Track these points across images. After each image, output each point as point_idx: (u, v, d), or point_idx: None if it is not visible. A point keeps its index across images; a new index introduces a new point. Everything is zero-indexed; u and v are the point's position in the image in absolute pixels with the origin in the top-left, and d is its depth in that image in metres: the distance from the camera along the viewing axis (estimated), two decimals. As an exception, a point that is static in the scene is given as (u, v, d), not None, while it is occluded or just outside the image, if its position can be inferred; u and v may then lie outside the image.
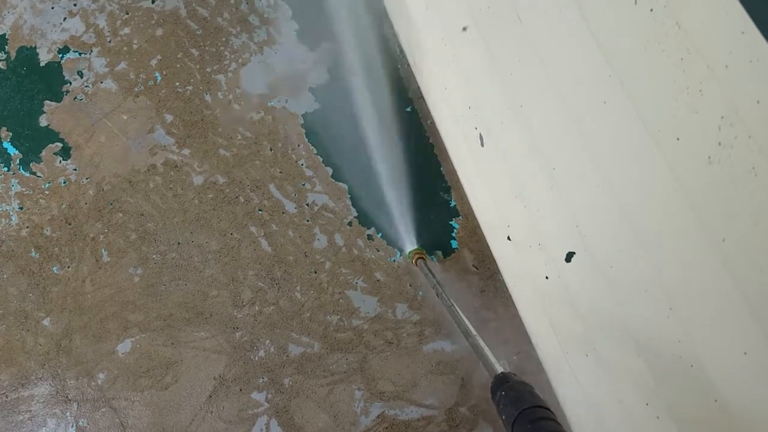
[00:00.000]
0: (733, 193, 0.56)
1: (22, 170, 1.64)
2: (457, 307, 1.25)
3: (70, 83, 1.69)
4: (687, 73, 0.57)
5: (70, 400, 1.52)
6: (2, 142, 1.66)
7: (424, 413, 1.48)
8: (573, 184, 0.92)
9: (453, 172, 1.62)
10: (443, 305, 1.34)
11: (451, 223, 1.60)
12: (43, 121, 1.67)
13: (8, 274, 1.59)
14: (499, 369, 0.98)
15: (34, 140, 1.66)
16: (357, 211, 1.60)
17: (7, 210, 1.62)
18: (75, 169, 1.63)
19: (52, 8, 1.74)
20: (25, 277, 1.58)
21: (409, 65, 1.69)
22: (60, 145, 1.65)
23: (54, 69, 1.70)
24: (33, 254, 1.59)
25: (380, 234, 1.59)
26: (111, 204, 1.61)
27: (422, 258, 1.51)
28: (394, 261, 1.57)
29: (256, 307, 1.55)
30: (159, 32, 1.72)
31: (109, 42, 1.71)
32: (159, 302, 1.55)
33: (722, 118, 0.54)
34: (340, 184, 1.62)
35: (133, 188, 1.62)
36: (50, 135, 1.66)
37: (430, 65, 1.50)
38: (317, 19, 1.72)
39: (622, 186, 0.78)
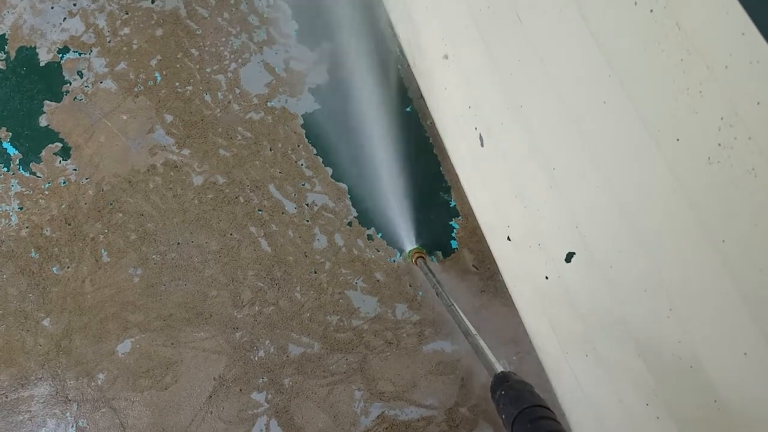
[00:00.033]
0: (732, 194, 0.56)
1: (21, 170, 1.64)
2: (456, 307, 1.26)
3: (70, 83, 1.68)
4: (687, 74, 0.57)
5: (69, 400, 1.52)
6: (2, 143, 1.66)
7: (424, 413, 1.48)
8: (573, 184, 0.92)
9: (453, 172, 1.62)
10: (443, 305, 1.34)
11: (450, 223, 1.60)
12: (42, 121, 1.66)
13: (8, 274, 1.59)
14: (499, 368, 0.97)
15: (33, 140, 1.66)
16: (357, 211, 1.60)
17: (6, 210, 1.62)
18: (75, 170, 1.63)
19: (52, 8, 1.74)
20: (24, 277, 1.58)
21: (409, 65, 1.69)
22: (60, 145, 1.65)
23: (54, 69, 1.70)
24: (33, 254, 1.59)
25: (380, 234, 1.59)
26: (111, 204, 1.61)
27: (422, 257, 1.51)
28: (394, 261, 1.57)
29: (256, 308, 1.55)
30: (159, 32, 1.72)
31: (109, 42, 1.71)
32: (159, 302, 1.55)
33: (722, 118, 0.54)
34: (340, 184, 1.62)
35: (133, 188, 1.62)
36: (50, 135, 1.66)
37: (430, 65, 1.50)
38: (317, 19, 1.72)
39: (622, 186, 0.78)
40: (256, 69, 1.69)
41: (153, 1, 1.74)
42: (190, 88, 1.68)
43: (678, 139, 0.62)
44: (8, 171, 1.64)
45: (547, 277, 1.16)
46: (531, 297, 1.36)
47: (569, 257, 1.02)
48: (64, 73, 1.69)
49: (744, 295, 0.60)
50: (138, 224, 1.60)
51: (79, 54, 1.70)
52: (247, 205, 1.60)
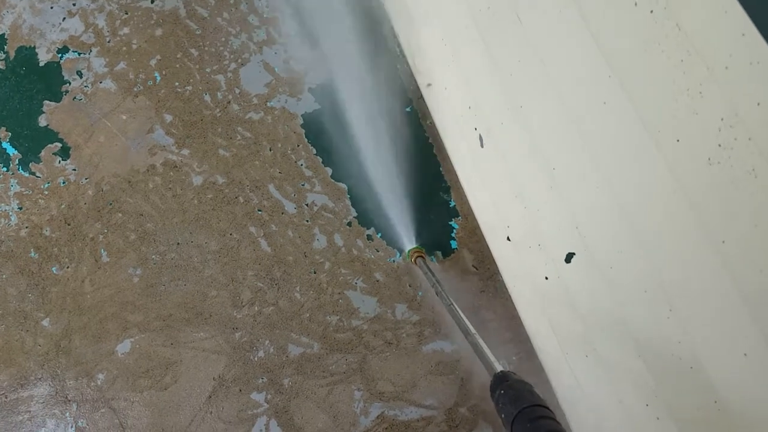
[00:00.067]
0: (733, 195, 0.56)
1: (21, 170, 1.64)
2: (456, 306, 1.25)
3: (70, 83, 1.68)
4: (687, 75, 0.57)
5: (69, 400, 1.51)
6: (1, 143, 1.65)
7: (423, 413, 1.48)
8: (573, 184, 0.92)
9: (453, 172, 1.62)
10: (442, 304, 1.34)
11: (450, 223, 1.60)
12: (42, 121, 1.66)
13: (7, 274, 1.58)
14: (498, 367, 0.97)
15: (33, 140, 1.65)
16: (356, 212, 1.60)
17: (6, 210, 1.62)
18: (74, 170, 1.63)
19: (51, 8, 1.73)
20: (24, 277, 1.58)
21: (408, 65, 1.69)
22: (59, 145, 1.65)
23: (53, 69, 1.70)
24: (32, 254, 1.59)
25: (380, 234, 1.59)
26: (110, 204, 1.61)
27: (421, 257, 1.51)
28: (394, 261, 1.57)
29: (256, 308, 1.55)
30: (158, 32, 1.72)
31: (109, 42, 1.71)
32: (158, 302, 1.55)
33: (722, 119, 0.54)
34: (340, 184, 1.62)
35: (133, 188, 1.62)
36: (49, 135, 1.66)
37: (430, 65, 1.50)
38: (317, 19, 1.71)
39: (622, 186, 0.78)
40: (256, 69, 1.69)
41: (152, 1, 1.74)
42: (189, 88, 1.68)
43: (678, 140, 0.61)
44: (8, 171, 1.64)
45: (546, 278, 1.16)
46: (531, 297, 1.36)
47: (569, 258, 1.02)
48: (63, 73, 1.69)
49: (744, 296, 0.60)
50: (137, 224, 1.60)
51: (79, 54, 1.70)
52: (246, 205, 1.60)
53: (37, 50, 1.71)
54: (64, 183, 1.63)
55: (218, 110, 1.66)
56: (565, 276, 1.07)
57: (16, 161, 1.64)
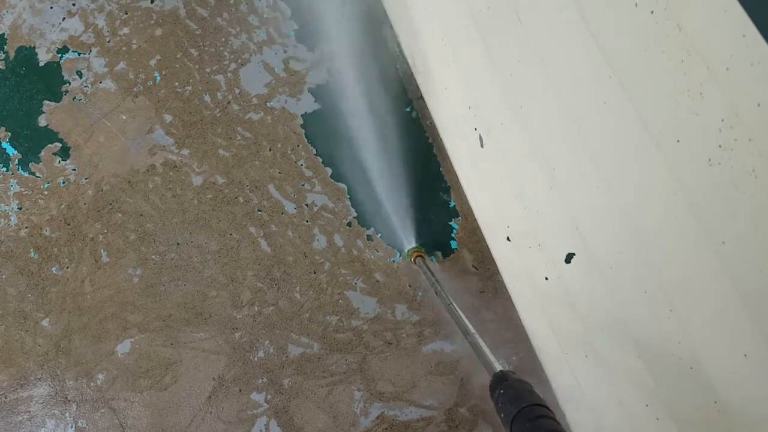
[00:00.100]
0: (733, 195, 0.56)
1: (21, 170, 1.64)
2: (455, 306, 1.25)
3: (69, 83, 1.68)
4: (687, 75, 0.57)
5: (69, 400, 1.51)
6: (1, 143, 1.65)
7: (423, 414, 1.48)
8: (573, 184, 0.92)
9: (452, 172, 1.62)
10: (442, 304, 1.34)
11: (450, 223, 1.60)
12: (42, 121, 1.66)
13: (7, 274, 1.58)
14: (498, 367, 0.97)
15: (33, 140, 1.65)
16: (356, 212, 1.60)
17: (6, 210, 1.62)
18: (74, 170, 1.63)
19: (51, 8, 1.73)
20: (24, 277, 1.58)
21: (408, 65, 1.69)
22: (59, 145, 1.65)
23: (53, 69, 1.70)
24: (32, 255, 1.59)
25: (379, 234, 1.59)
26: (110, 204, 1.61)
27: (421, 256, 1.51)
28: (394, 261, 1.57)
29: (256, 308, 1.55)
30: (158, 32, 1.71)
31: (108, 42, 1.71)
32: (158, 303, 1.55)
33: (722, 120, 0.54)
34: (340, 184, 1.62)
35: (133, 188, 1.62)
36: (49, 135, 1.65)
37: (429, 65, 1.50)
38: (316, 19, 1.71)
39: (622, 187, 0.78)
40: (256, 69, 1.69)
41: (152, 1, 1.73)
42: (189, 88, 1.68)
43: (678, 141, 0.61)
44: (7, 171, 1.64)
45: (546, 278, 1.16)
46: (531, 297, 1.36)
47: (569, 258, 1.02)
48: (63, 73, 1.69)
49: (744, 297, 0.60)
50: (137, 224, 1.60)
51: (79, 54, 1.70)
52: (246, 206, 1.60)
53: (36, 50, 1.71)
54: (63, 183, 1.62)
55: (218, 110, 1.66)
56: (565, 276, 1.07)
57: (16, 161, 1.64)
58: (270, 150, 1.64)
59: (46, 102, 1.67)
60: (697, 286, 0.68)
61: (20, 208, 1.62)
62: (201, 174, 1.62)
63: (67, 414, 1.51)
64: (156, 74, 1.69)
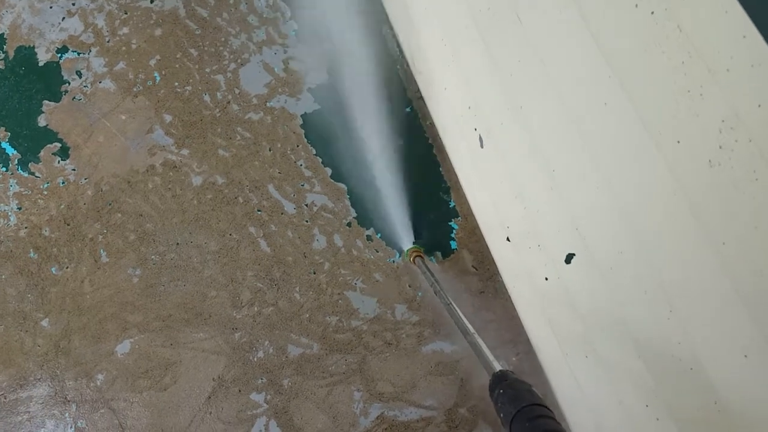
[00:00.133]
0: (733, 196, 0.56)
1: (20, 170, 1.63)
2: (455, 305, 1.25)
3: (69, 83, 1.68)
4: (688, 76, 0.57)
5: (68, 401, 1.51)
6: (1, 143, 1.65)
7: (423, 414, 1.48)
8: (573, 185, 0.92)
9: (452, 172, 1.62)
10: (441, 303, 1.34)
11: (450, 223, 1.60)
12: (41, 121, 1.66)
13: (7, 274, 1.58)
14: (497, 367, 0.97)
15: (32, 140, 1.65)
16: (356, 212, 1.60)
17: (5, 210, 1.62)
18: (73, 170, 1.63)
19: (51, 8, 1.73)
20: (23, 277, 1.58)
21: (408, 65, 1.69)
22: (58, 145, 1.65)
23: (52, 69, 1.69)
24: (31, 255, 1.59)
25: (379, 235, 1.59)
26: (110, 204, 1.61)
27: (420, 256, 1.51)
28: (394, 262, 1.57)
29: (255, 308, 1.55)
30: (158, 32, 1.71)
31: (108, 42, 1.71)
32: (158, 303, 1.55)
33: (723, 121, 0.53)
34: (339, 184, 1.62)
35: (132, 188, 1.62)
36: (49, 135, 1.65)
37: (429, 66, 1.50)
38: (316, 19, 1.71)
39: (623, 187, 0.78)
40: (256, 69, 1.69)
41: (152, 1, 1.73)
42: (189, 88, 1.68)
43: (679, 141, 0.61)
44: (7, 171, 1.64)
45: (546, 278, 1.16)
46: (530, 298, 1.36)
47: (569, 258, 1.02)
48: (62, 73, 1.69)
49: (744, 297, 0.60)
50: (137, 224, 1.59)
51: (78, 54, 1.70)
52: (246, 206, 1.60)
53: (36, 50, 1.70)
54: (63, 183, 1.62)
55: (218, 110, 1.66)
56: (565, 276, 1.07)
57: (16, 161, 1.64)
58: (270, 150, 1.64)
59: (46, 102, 1.67)
60: (697, 286, 0.68)
61: (20, 208, 1.62)
62: (201, 174, 1.62)
63: (66, 414, 1.51)
64: (156, 74, 1.69)
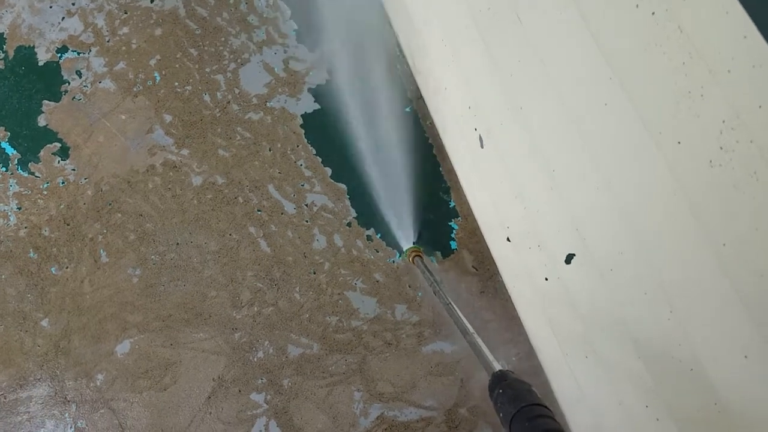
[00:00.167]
0: (734, 197, 0.56)
1: (20, 170, 1.63)
2: (454, 305, 1.25)
3: (69, 83, 1.68)
4: (689, 77, 0.56)
5: (68, 401, 1.51)
6: (0, 142, 1.65)
7: (423, 414, 1.48)
8: (573, 185, 0.92)
9: (452, 172, 1.62)
10: (440, 303, 1.34)
11: (450, 223, 1.60)
12: (41, 121, 1.66)
13: (6, 274, 1.58)
14: (497, 367, 0.97)
15: (32, 140, 1.65)
16: (356, 212, 1.60)
17: (5, 210, 1.62)
18: (73, 170, 1.63)
19: (51, 7, 1.73)
20: (23, 277, 1.58)
21: (408, 65, 1.69)
22: (58, 145, 1.65)
23: (52, 68, 1.69)
24: (31, 255, 1.59)
25: (379, 235, 1.59)
26: (110, 204, 1.61)
27: (419, 256, 1.51)
28: (394, 262, 1.57)
29: (255, 308, 1.54)
30: (158, 32, 1.71)
31: (108, 42, 1.71)
32: (158, 303, 1.55)
33: (724, 122, 0.53)
34: (339, 184, 1.62)
35: (132, 188, 1.62)
36: (48, 135, 1.65)
37: (429, 66, 1.50)
38: (316, 19, 1.71)
39: (623, 187, 0.78)
40: (256, 69, 1.69)
41: (152, 1, 1.73)
42: (189, 88, 1.67)
43: (679, 142, 0.61)
44: (7, 171, 1.64)
45: (546, 279, 1.16)
46: (531, 298, 1.36)
47: (569, 258, 1.02)
48: (62, 73, 1.69)
49: (744, 298, 0.60)
50: (137, 224, 1.59)
51: (78, 53, 1.70)
52: (246, 206, 1.60)
53: (36, 50, 1.70)
54: (63, 183, 1.62)
55: (218, 110, 1.66)
56: (565, 277, 1.07)
57: (15, 161, 1.64)
58: (270, 150, 1.64)
59: (46, 102, 1.67)
60: (697, 286, 0.68)
61: (19, 208, 1.61)
62: (201, 174, 1.62)
63: (66, 414, 1.51)
64: (156, 74, 1.68)
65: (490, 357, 1.01)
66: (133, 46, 1.70)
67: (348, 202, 1.60)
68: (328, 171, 1.62)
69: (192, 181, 1.62)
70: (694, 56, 0.55)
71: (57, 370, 1.53)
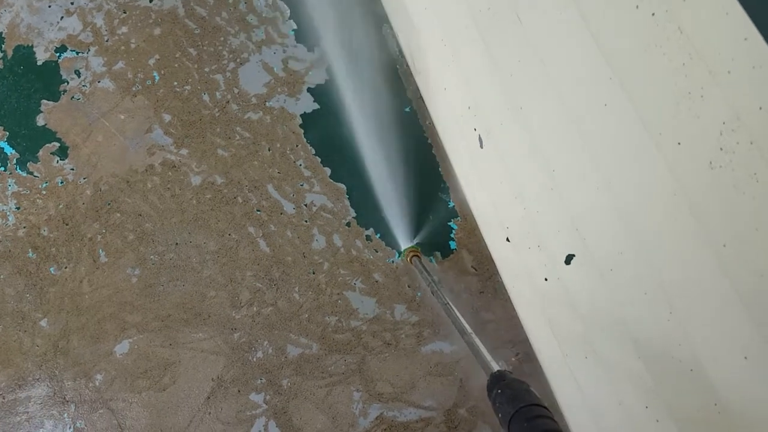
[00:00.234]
0: (734, 198, 0.56)
1: (19, 170, 1.63)
2: (452, 305, 1.25)
3: (68, 82, 1.68)
4: (689, 78, 0.56)
5: (67, 401, 1.51)
6: (-1, 142, 1.65)
7: (422, 415, 1.48)
8: (573, 185, 0.92)
9: (452, 172, 1.62)
10: (438, 303, 1.34)
11: (449, 224, 1.60)
12: (40, 121, 1.66)
13: (5, 274, 1.58)
14: (495, 367, 0.97)
15: (31, 140, 1.65)
16: (355, 212, 1.60)
17: (4, 210, 1.61)
18: (72, 169, 1.63)
19: (49, 7, 1.73)
20: (22, 277, 1.57)
21: (408, 65, 1.69)
22: (57, 144, 1.64)
23: (51, 68, 1.69)
24: (30, 255, 1.59)
25: (379, 235, 1.59)
26: (108, 204, 1.61)
27: (417, 256, 1.51)
28: (393, 262, 1.57)
29: (255, 308, 1.54)
30: (157, 31, 1.71)
31: (107, 41, 1.70)
32: (157, 303, 1.55)
33: (724, 123, 0.53)
34: (339, 184, 1.62)
35: (131, 188, 1.61)
36: (47, 134, 1.65)
37: (429, 66, 1.50)
38: (316, 19, 1.71)
39: (623, 188, 0.78)
40: (255, 69, 1.69)
41: (151, 0, 1.73)
42: (188, 87, 1.67)
43: (679, 143, 0.61)
44: (5, 170, 1.63)
45: (546, 279, 1.16)
46: (530, 298, 1.36)
47: (569, 259, 1.02)
48: (61, 72, 1.68)
49: (744, 298, 0.60)
50: (136, 224, 1.59)
51: (77, 53, 1.70)
52: (245, 206, 1.60)
53: (34, 49, 1.70)
54: (62, 183, 1.62)
55: (217, 110, 1.66)
56: (564, 277, 1.07)
57: (14, 161, 1.63)
58: (269, 150, 1.63)
59: (44, 101, 1.67)
60: (697, 286, 0.68)
61: (18, 208, 1.61)
62: (200, 174, 1.62)
63: (65, 414, 1.50)
64: (155, 74, 1.68)
65: (488, 357, 1.02)
66: (132, 46, 1.70)
67: (347, 202, 1.60)
68: (328, 171, 1.62)
69: (191, 181, 1.61)
70: (694, 57, 0.55)
71: (56, 370, 1.52)
